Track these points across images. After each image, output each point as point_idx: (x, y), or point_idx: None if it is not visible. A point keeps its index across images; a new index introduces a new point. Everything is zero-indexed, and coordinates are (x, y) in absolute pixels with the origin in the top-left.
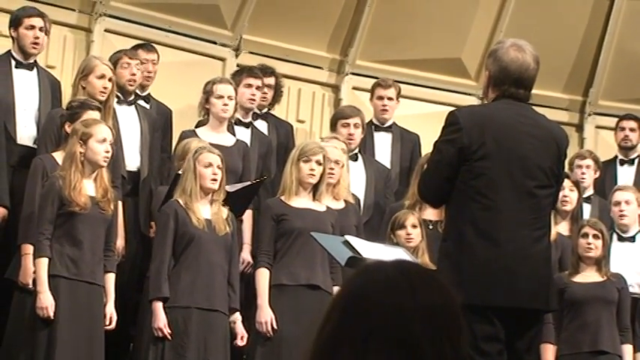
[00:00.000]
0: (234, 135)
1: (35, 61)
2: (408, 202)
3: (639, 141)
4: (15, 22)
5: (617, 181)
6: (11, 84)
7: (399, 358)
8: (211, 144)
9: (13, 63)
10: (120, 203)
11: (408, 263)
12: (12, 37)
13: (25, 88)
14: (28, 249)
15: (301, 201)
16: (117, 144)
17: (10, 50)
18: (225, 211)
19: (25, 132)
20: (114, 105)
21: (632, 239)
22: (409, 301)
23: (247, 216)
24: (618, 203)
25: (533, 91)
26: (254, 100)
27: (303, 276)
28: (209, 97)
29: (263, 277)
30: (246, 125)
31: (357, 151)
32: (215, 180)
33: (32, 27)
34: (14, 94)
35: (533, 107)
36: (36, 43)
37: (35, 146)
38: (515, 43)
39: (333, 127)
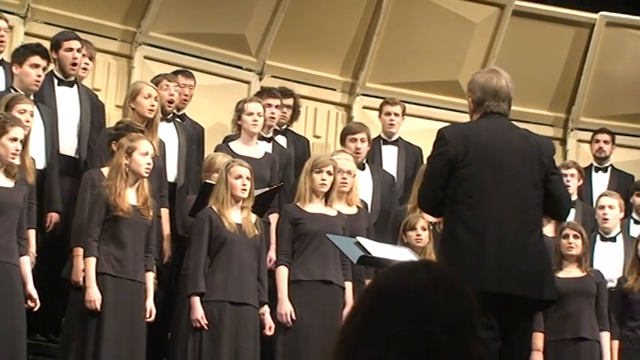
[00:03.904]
0: None
1: (75, 78)
2: (410, 206)
3: (612, 151)
4: (55, 46)
5: (593, 187)
6: (54, 100)
7: (418, 357)
8: (243, 156)
9: (56, 81)
10: (166, 211)
11: (437, 269)
12: (53, 59)
13: (67, 103)
14: (79, 251)
15: (315, 207)
16: (163, 158)
17: (52, 70)
18: (253, 216)
19: (67, 143)
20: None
21: (614, 240)
22: (434, 308)
23: (274, 220)
24: (602, 207)
25: (523, 109)
26: (274, 117)
27: (317, 272)
28: (241, 115)
29: (283, 273)
30: (268, 140)
31: (364, 161)
32: (245, 190)
33: (70, 49)
34: (57, 108)
35: (524, 124)
36: (74, 64)
37: (76, 156)
38: (488, 69)
39: (343, 141)
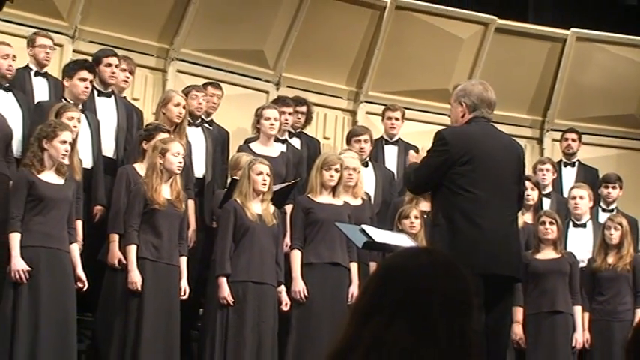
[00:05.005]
0: None
1: (113, 90)
2: (407, 198)
3: (579, 149)
4: (96, 61)
5: (562, 180)
6: (94, 108)
7: (417, 331)
8: (261, 155)
9: (96, 92)
10: (192, 202)
11: (438, 254)
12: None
13: (106, 111)
14: (115, 237)
15: (324, 198)
16: (189, 157)
17: (92, 82)
18: (272, 208)
19: (106, 145)
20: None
21: (584, 226)
22: (433, 286)
23: (289, 210)
24: (574, 198)
25: (504, 113)
26: (287, 122)
27: (326, 255)
28: (259, 119)
29: (296, 256)
30: (282, 142)
31: (368, 159)
32: (265, 185)
33: (109, 65)
34: (97, 116)
35: (505, 126)
36: (112, 77)
37: (114, 157)
38: (478, 81)
39: (349, 142)
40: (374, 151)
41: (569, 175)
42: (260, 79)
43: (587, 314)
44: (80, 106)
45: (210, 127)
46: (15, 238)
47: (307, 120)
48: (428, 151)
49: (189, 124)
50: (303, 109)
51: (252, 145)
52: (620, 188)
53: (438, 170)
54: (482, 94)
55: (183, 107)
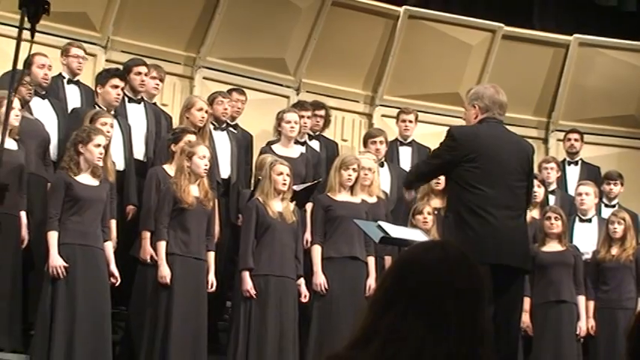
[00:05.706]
0: None
1: (142, 96)
2: (419, 195)
3: (581, 148)
4: (127, 70)
5: (567, 178)
6: (125, 114)
7: (431, 322)
8: (282, 156)
9: (126, 99)
10: (216, 201)
11: (451, 247)
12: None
13: (136, 117)
14: (146, 234)
15: (342, 196)
16: (213, 158)
17: (123, 90)
18: (292, 205)
19: (136, 149)
20: (211, 130)
21: (589, 221)
22: (446, 279)
23: (309, 208)
24: (580, 194)
25: (512, 115)
26: (306, 125)
27: (345, 250)
28: (280, 123)
29: (317, 251)
30: (302, 144)
31: (383, 160)
32: (285, 184)
33: (139, 73)
34: (128, 121)
35: (512, 127)
36: (142, 85)
37: (144, 160)
38: (490, 85)
39: (365, 144)
40: (389, 152)
41: (572, 173)
42: (281, 85)
43: (592, 303)
44: (112, 112)
45: (235, 131)
46: (53, 237)
47: (326, 123)
48: (440, 144)
49: (215, 128)
50: (322, 112)
51: (274, 147)
52: (622, 184)
53: (445, 165)
54: (494, 97)
55: (206, 112)
